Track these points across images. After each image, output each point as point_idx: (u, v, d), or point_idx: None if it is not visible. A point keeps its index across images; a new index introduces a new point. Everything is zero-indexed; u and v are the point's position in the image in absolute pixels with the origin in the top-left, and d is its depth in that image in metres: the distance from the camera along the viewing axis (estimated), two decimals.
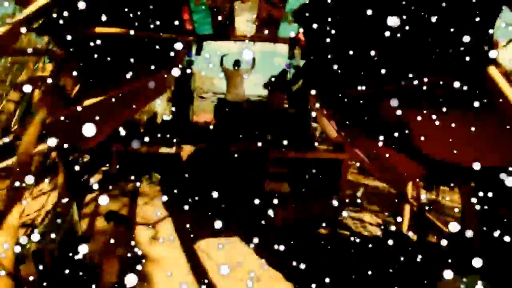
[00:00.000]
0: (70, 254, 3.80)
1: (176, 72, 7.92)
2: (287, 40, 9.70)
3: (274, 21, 7.80)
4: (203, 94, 22.68)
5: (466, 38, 2.34)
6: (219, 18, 8.06)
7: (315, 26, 4.02)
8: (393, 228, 5.41)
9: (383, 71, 3.29)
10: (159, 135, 6.95)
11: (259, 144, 5.66)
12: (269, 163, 5.41)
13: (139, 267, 4.35)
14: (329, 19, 3.76)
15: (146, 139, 6.32)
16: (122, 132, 8.37)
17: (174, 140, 6.56)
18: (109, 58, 4.13)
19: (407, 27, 2.87)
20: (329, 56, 4.04)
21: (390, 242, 4.87)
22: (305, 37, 5.01)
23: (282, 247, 4.45)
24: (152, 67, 5.04)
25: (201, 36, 10.03)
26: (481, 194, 3.60)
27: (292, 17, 7.47)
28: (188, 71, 9.15)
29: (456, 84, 2.42)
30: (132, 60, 4.42)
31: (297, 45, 8.99)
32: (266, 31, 9.61)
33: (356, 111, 4.15)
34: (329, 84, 4.32)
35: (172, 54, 5.38)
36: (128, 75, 4.38)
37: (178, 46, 5.65)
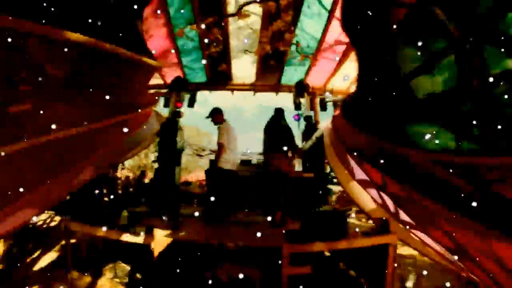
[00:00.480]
0: None
1: (149, 124, 6.36)
2: (292, 88, 8.25)
3: (279, 58, 6.30)
4: (200, 152, 21.09)
5: None
6: (212, 55, 6.52)
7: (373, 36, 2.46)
8: None
9: None
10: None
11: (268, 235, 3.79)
12: (285, 262, 3.41)
13: None
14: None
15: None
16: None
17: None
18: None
19: None
20: (395, 84, 2.37)
21: None
22: (357, 53, 3.41)
23: None
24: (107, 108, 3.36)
25: (192, 84, 8.63)
26: None
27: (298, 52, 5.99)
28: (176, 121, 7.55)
29: None
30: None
31: (305, 92, 7.46)
32: (267, 79, 8.27)
33: (438, 179, 2.37)
34: (390, 131, 2.62)
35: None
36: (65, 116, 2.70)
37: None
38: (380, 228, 3.93)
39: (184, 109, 8.83)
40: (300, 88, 7.29)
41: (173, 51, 6.94)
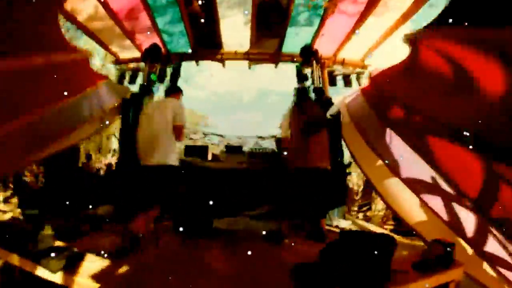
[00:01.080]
0: None
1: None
2: (296, 57, 6.67)
3: (280, 13, 4.74)
4: (191, 135, 19.59)
5: None
6: (193, 11, 4.98)
7: None
8: None
9: None
10: None
11: None
12: None
13: None
14: None
15: None
16: None
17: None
18: None
19: None
20: None
21: None
22: None
23: None
24: None
25: (174, 55, 7.06)
26: None
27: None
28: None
29: None
30: None
31: (313, 59, 5.87)
32: (265, 45, 6.67)
33: None
34: None
35: None
36: None
37: None
38: (440, 257, 2.46)
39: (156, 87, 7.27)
40: (308, 55, 5.70)
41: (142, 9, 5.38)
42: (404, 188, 3.09)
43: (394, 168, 3.10)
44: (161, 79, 7.19)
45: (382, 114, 3.07)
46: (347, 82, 7.13)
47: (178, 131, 3.44)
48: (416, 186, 2.92)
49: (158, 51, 6.18)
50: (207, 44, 6.60)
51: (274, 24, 5.48)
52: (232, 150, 5.60)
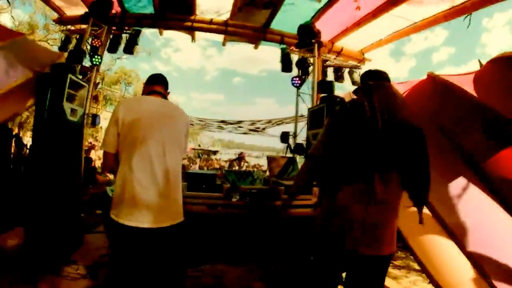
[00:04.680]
0: None
1: None
2: (286, 37, 5.37)
3: None
4: None
5: None
6: None
7: None
8: None
9: None
10: None
11: None
12: None
13: None
14: None
15: None
16: None
17: None
18: None
19: None
20: None
21: None
22: None
23: None
24: None
25: (132, 17, 5.43)
26: None
27: None
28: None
29: None
30: None
31: (315, 42, 4.57)
32: (250, 17, 5.25)
33: None
34: None
35: None
36: None
37: None
38: None
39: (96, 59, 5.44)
40: (309, 35, 4.40)
41: None
42: (459, 257, 1.84)
43: (456, 233, 1.82)
44: (112, 48, 5.53)
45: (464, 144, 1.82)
46: (339, 76, 5.96)
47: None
48: (492, 268, 1.70)
49: (106, 6, 4.56)
50: (175, 5, 5.07)
51: None
52: (198, 179, 3.41)
